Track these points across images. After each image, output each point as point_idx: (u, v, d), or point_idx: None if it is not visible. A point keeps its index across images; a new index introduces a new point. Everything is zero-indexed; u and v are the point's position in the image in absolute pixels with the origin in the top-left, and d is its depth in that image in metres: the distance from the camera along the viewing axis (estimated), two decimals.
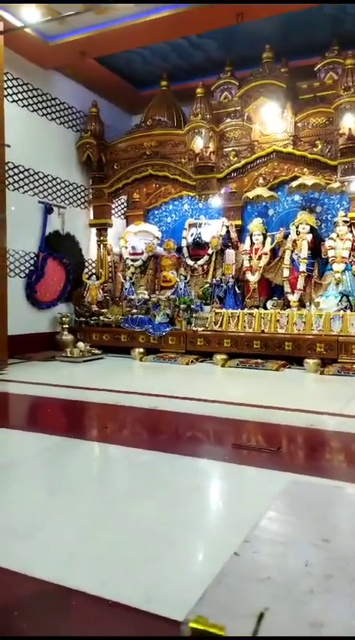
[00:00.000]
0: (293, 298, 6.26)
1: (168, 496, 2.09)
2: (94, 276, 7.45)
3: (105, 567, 1.52)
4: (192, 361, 5.92)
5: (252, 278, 6.61)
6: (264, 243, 6.63)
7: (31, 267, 6.60)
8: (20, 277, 6.47)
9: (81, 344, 6.36)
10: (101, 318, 6.90)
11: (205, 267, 7.02)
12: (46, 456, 2.70)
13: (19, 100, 6.43)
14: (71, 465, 2.58)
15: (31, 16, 5.53)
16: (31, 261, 6.63)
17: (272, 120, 6.29)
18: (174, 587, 1.37)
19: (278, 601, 1.02)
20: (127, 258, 7.46)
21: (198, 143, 6.50)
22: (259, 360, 5.66)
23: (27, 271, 6.55)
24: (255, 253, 6.65)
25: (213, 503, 2.14)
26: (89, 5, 5.36)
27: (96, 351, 6.40)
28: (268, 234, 6.70)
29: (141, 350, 6.36)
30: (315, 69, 6.48)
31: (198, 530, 1.79)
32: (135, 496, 2.12)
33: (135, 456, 2.69)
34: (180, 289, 6.75)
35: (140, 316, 6.63)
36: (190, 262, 7.11)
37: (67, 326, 6.79)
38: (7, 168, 6.15)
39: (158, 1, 5.27)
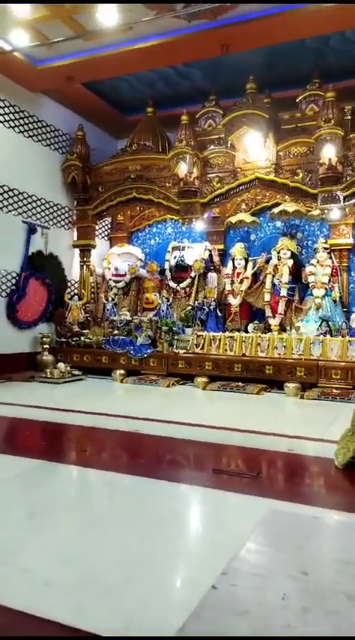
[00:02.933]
0: (274, 322, 6.32)
1: (148, 522, 2.07)
2: (76, 296, 7.43)
3: (82, 594, 1.50)
4: (173, 384, 5.90)
5: (234, 301, 6.67)
6: (245, 268, 6.72)
7: (13, 287, 6.56)
8: (1, 297, 6.42)
9: (61, 365, 6.30)
10: (82, 338, 6.86)
11: (187, 289, 7.07)
12: (23, 479, 2.65)
13: (6, 121, 6.48)
14: (49, 489, 2.53)
15: (19, 39, 5.61)
16: (13, 281, 6.59)
17: (254, 148, 6.44)
18: (153, 615, 1.35)
19: (256, 635, 1.01)
20: (110, 279, 7.47)
21: (183, 168, 6.61)
22: (240, 384, 5.67)
23: (8, 290, 6.50)
24: (237, 277, 6.73)
25: (193, 530, 2.12)
26: (77, 31, 5.48)
27: (77, 372, 6.34)
28: (250, 258, 6.80)
29: (122, 371, 6.33)
30: (297, 100, 6.68)
31: (178, 557, 1.77)
32: (114, 522, 2.09)
33: (114, 480, 2.66)
34: (163, 311, 6.77)
35: (121, 337, 6.62)
36: (173, 285, 7.16)
37: (47, 346, 6.73)
38: None
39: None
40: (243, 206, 7.16)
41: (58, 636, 1.33)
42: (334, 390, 5.23)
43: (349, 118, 6.12)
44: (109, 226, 8.41)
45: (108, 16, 5.20)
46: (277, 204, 6.74)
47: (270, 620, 1.07)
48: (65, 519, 2.11)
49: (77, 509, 2.26)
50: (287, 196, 6.60)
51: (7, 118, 6.49)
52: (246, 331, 6.35)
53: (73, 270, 7.72)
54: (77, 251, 7.73)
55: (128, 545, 1.82)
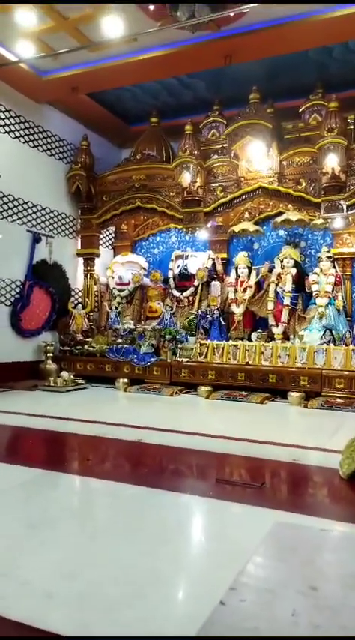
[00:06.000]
0: (277, 331, 6.32)
1: (152, 533, 2.05)
2: (80, 305, 7.44)
3: (85, 607, 1.48)
4: (176, 392, 5.89)
5: (237, 310, 6.67)
6: (249, 276, 6.73)
7: (17, 295, 6.58)
8: (5, 305, 6.44)
9: (64, 373, 6.29)
10: (86, 347, 6.86)
11: (191, 298, 7.08)
12: (26, 489, 2.64)
13: (11, 131, 6.53)
14: (52, 499, 2.52)
15: (25, 50, 5.67)
16: (17, 290, 6.61)
17: (258, 157, 6.47)
18: (157, 630, 1.34)
19: None
20: (114, 288, 7.48)
21: (186, 178, 6.64)
22: (243, 393, 5.65)
23: (12, 299, 6.52)
24: (240, 286, 6.73)
25: (198, 543, 2.10)
26: (82, 43, 5.54)
27: (80, 381, 6.33)
28: (253, 267, 6.80)
29: (126, 380, 6.32)
30: (300, 110, 6.72)
31: (183, 571, 1.76)
32: (118, 533, 2.07)
33: (118, 490, 2.64)
34: (166, 320, 6.78)
35: (125, 346, 6.61)
36: (176, 293, 7.16)
37: (51, 355, 6.73)
38: None
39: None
40: (247, 215, 7.17)
41: None
42: (337, 400, 5.21)
43: (352, 127, 6.16)
44: (113, 235, 8.44)
45: (113, 28, 5.26)
46: (280, 213, 6.75)
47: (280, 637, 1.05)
48: (67, 530, 2.09)
49: (80, 520, 2.25)
50: (290, 205, 6.62)
51: (12, 128, 6.54)
52: (250, 340, 6.34)
53: (77, 279, 7.74)
54: (81, 260, 7.76)
55: (131, 558, 1.81)
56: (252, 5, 4.67)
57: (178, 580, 1.70)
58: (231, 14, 4.90)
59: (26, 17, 5.15)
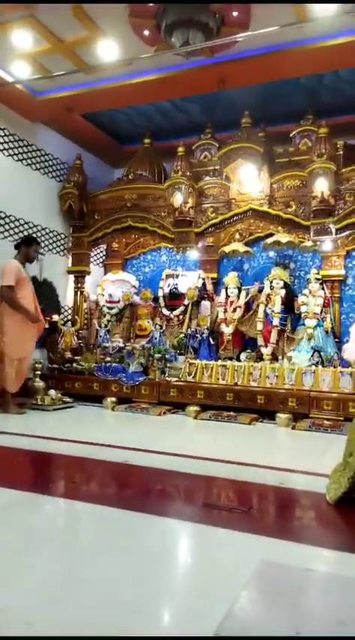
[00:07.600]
0: (266, 351, 6.33)
1: (137, 560, 2.02)
2: (69, 322, 7.41)
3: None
4: (164, 412, 5.85)
5: (227, 330, 6.69)
6: (238, 297, 6.76)
7: None
8: None
9: (52, 391, 6.23)
10: (74, 365, 6.81)
11: (181, 317, 7.08)
12: (7, 512, 2.59)
13: (5, 149, 6.57)
14: (34, 523, 2.47)
15: (20, 71, 5.74)
16: None
17: (249, 180, 6.56)
18: None
19: None
20: (103, 306, 7.47)
21: (178, 198, 6.70)
22: (231, 413, 5.63)
23: None
24: (230, 306, 6.76)
25: (184, 571, 2.07)
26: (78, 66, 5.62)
27: (68, 400, 6.27)
28: (243, 287, 6.84)
29: (114, 399, 6.26)
30: (291, 135, 6.85)
31: (167, 599, 1.73)
32: (101, 559, 2.04)
33: (103, 514, 2.60)
34: (155, 338, 6.76)
35: (114, 364, 6.58)
36: (166, 312, 7.17)
37: (39, 372, 6.67)
38: None
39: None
40: (237, 236, 7.25)
41: None
42: (325, 422, 5.21)
43: (341, 153, 6.28)
44: (104, 253, 8.46)
45: (108, 51, 5.35)
46: (270, 235, 6.83)
47: None
48: (50, 556, 2.05)
49: (63, 545, 2.21)
50: (280, 227, 6.70)
51: (5, 146, 6.58)
52: (239, 360, 6.34)
53: (66, 297, 7.72)
54: (72, 277, 7.75)
55: (116, 584, 1.78)
56: (245, 34, 4.79)
57: (162, 609, 1.67)
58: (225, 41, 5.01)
59: (23, 39, 5.24)
